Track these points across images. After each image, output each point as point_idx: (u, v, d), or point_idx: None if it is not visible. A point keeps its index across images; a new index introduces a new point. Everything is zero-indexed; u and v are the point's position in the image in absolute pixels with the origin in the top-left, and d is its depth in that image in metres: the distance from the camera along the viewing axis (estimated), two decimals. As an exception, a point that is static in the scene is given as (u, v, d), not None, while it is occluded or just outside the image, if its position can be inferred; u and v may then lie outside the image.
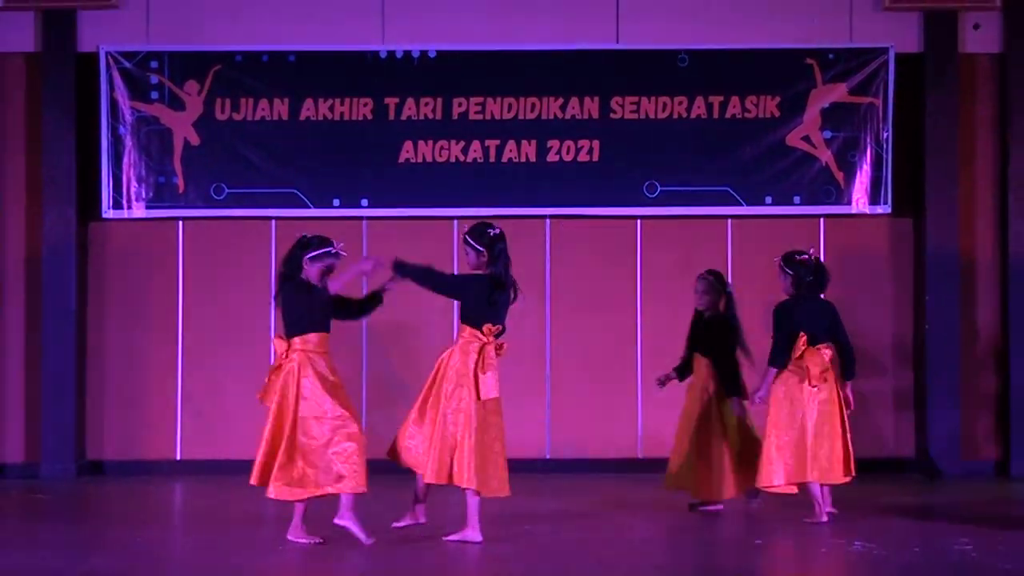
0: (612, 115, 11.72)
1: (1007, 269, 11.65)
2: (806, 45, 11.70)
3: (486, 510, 8.20)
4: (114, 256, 11.84)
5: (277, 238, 11.59)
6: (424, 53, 11.71)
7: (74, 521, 9.46)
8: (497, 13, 11.76)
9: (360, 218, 11.75)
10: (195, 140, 11.67)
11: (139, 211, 11.68)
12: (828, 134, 11.72)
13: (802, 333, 9.11)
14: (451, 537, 8.08)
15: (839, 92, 11.70)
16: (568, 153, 11.73)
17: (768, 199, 11.72)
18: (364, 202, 11.69)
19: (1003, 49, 11.73)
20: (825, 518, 8.93)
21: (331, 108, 11.68)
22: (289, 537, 8.00)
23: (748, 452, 9.30)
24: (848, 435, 9.10)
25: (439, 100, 11.71)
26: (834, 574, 7.31)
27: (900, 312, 11.90)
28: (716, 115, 11.71)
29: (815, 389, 9.03)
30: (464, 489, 8.03)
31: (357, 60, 11.69)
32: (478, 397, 8.00)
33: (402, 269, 8.13)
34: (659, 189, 11.71)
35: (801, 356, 9.11)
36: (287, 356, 7.97)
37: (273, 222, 11.74)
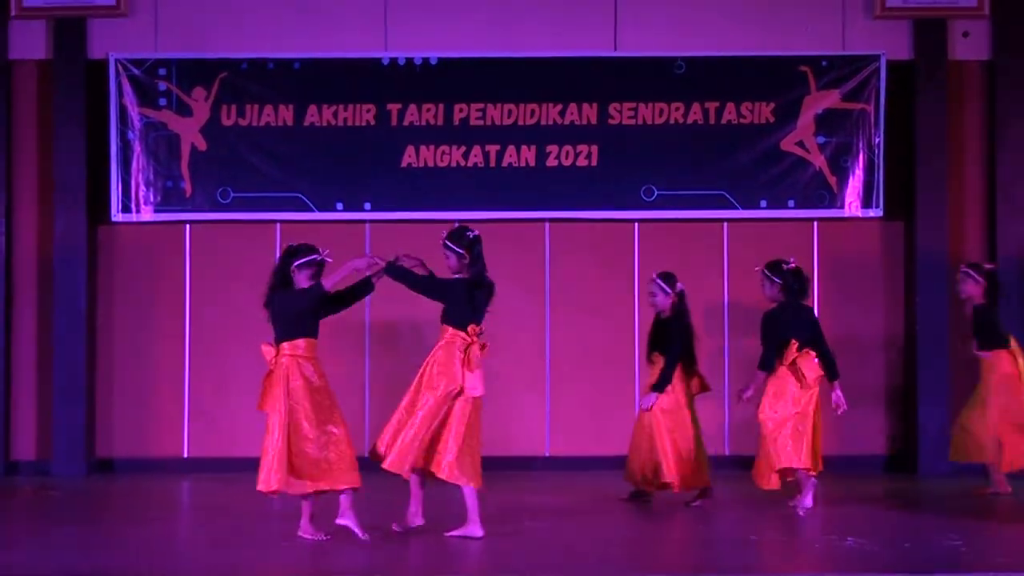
0: (610, 121, 11.81)
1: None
2: (800, 53, 11.79)
3: (486, 507, 8.37)
4: (123, 258, 11.93)
5: (282, 241, 11.60)
6: (426, 60, 11.79)
7: (85, 518, 9.54)
8: (497, 22, 11.85)
9: (363, 222, 11.84)
10: (202, 145, 11.76)
11: (147, 215, 11.76)
12: (821, 139, 11.83)
13: (793, 340, 9.38)
14: (453, 533, 8.24)
15: (832, 98, 11.81)
16: (567, 158, 11.82)
17: (763, 203, 11.81)
18: (367, 206, 11.77)
19: (991, 56, 11.87)
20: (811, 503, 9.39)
21: (335, 114, 11.77)
22: (300, 534, 8.18)
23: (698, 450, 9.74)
24: (819, 433, 9.58)
25: (440, 106, 11.80)
26: (828, 570, 7.36)
27: (891, 312, 11.99)
28: (712, 121, 11.80)
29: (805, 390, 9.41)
30: (463, 487, 8.22)
31: (360, 67, 11.78)
32: (463, 392, 8.18)
33: (392, 270, 8.33)
34: (656, 193, 11.81)
35: (794, 362, 9.42)
36: (276, 362, 8.14)
37: (278, 226, 11.82)
